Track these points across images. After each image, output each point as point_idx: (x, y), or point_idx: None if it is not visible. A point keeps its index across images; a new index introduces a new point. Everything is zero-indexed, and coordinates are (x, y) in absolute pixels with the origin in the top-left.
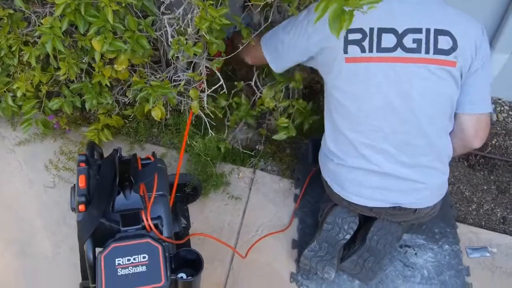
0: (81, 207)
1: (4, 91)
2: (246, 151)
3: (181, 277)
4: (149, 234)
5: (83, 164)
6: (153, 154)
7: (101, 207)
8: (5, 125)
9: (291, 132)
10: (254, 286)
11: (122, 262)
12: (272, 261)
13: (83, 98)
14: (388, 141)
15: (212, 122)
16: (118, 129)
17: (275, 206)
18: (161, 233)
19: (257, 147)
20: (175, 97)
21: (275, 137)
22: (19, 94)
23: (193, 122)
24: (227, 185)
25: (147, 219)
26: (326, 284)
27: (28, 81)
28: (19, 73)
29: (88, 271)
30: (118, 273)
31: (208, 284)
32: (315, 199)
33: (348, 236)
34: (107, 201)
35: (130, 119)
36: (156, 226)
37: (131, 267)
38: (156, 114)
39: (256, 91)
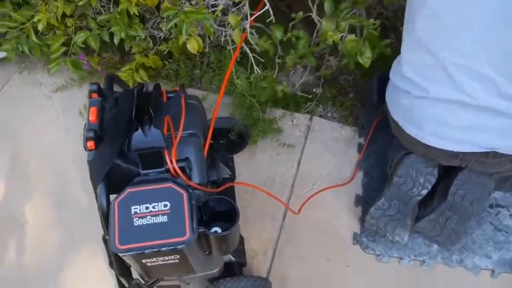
0: (90, 144)
1: (28, 26)
2: (303, 94)
3: (215, 231)
4: (173, 178)
5: (95, 95)
6: (182, 86)
7: (115, 145)
8: (42, 71)
9: (366, 56)
10: (309, 245)
11: (140, 210)
12: (331, 219)
13: (110, 30)
14: (493, 64)
15: (259, 58)
16: (156, 71)
17: (335, 157)
18: (189, 178)
19: (314, 90)
20: (213, 25)
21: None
22: (40, 27)
23: (239, 58)
24: (279, 132)
25: (171, 161)
26: (397, 248)
27: (52, 14)
28: (42, 6)
29: (102, 220)
30: (135, 223)
31: (259, 241)
32: (382, 149)
33: (424, 191)
34: (122, 138)
35: (170, 60)
36: (182, 169)
37: (150, 217)
38: (192, 46)
39: (318, 23)
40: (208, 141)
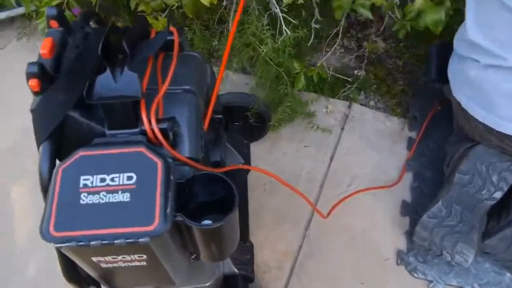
0: (33, 84)
1: None
2: (341, 76)
3: (201, 223)
4: (150, 144)
5: (54, 24)
6: (179, 27)
7: (71, 91)
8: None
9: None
10: (339, 261)
11: (92, 182)
12: (369, 230)
13: None
14: None
15: (291, 19)
16: None
17: (378, 153)
18: (174, 147)
19: (355, 73)
20: None
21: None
22: None
23: (265, 21)
24: (310, 117)
25: (149, 118)
26: (456, 274)
27: None
28: None
29: (42, 192)
30: (81, 201)
31: (274, 252)
32: (439, 146)
33: (498, 194)
34: (83, 83)
35: (185, 26)
36: (164, 132)
37: (105, 193)
38: None
39: None
40: (211, 108)
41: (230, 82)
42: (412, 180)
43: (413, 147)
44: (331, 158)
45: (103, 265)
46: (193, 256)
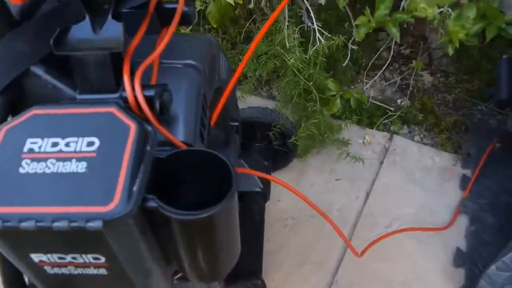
0: None
1: None
2: (379, 103)
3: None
4: (128, 111)
5: None
6: None
7: (39, 41)
8: None
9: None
10: None
11: (40, 147)
12: (411, 281)
13: None
14: None
15: (323, 31)
16: None
17: (425, 192)
18: (164, 123)
19: (398, 101)
20: None
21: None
22: None
23: (296, 33)
24: (342, 149)
25: (130, 80)
26: None
27: None
28: None
29: None
30: (21, 169)
31: None
32: (500, 185)
33: None
34: (54, 32)
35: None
36: (150, 100)
37: (54, 161)
38: None
39: None
40: (223, 102)
41: (253, 101)
42: (468, 224)
43: (468, 187)
44: (367, 195)
45: (49, 271)
46: (177, 275)
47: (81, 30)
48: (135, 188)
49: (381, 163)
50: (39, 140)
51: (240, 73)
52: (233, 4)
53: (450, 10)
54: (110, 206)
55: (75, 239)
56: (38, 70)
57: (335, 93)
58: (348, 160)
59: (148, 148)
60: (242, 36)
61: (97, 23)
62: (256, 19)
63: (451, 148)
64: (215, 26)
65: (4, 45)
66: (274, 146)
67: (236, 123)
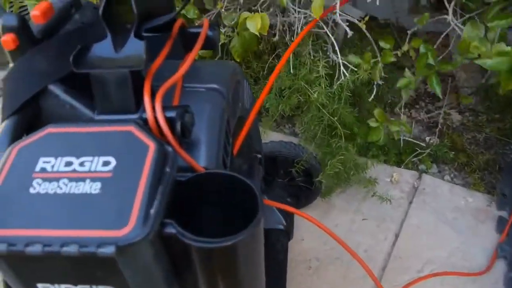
0: (7, 39)
1: None
2: (409, 139)
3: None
4: (150, 132)
5: None
6: (215, 20)
7: (59, 60)
8: None
9: None
10: None
11: (53, 166)
12: None
13: None
14: None
15: (348, 65)
16: None
17: (458, 234)
18: (185, 147)
19: (427, 139)
20: None
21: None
22: None
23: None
24: (370, 184)
25: (151, 100)
26: None
27: None
28: None
29: None
30: (32, 189)
31: None
32: None
33: None
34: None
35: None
36: (171, 122)
37: (67, 181)
38: (255, 24)
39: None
40: (246, 130)
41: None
42: (506, 270)
43: (506, 229)
44: (396, 236)
45: None
46: None
47: (102, 48)
48: (152, 212)
49: (410, 203)
50: (52, 159)
51: (262, 107)
52: (258, 36)
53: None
54: (124, 231)
55: (86, 266)
56: (56, 89)
57: (378, 123)
58: (374, 199)
59: (168, 169)
60: (265, 71)
61: (119, 41)
62: (280, 54)
63: (484, 188)
64: (238, 61)
65: (23, 63)
66: (297, 183)
67: (259, 155)
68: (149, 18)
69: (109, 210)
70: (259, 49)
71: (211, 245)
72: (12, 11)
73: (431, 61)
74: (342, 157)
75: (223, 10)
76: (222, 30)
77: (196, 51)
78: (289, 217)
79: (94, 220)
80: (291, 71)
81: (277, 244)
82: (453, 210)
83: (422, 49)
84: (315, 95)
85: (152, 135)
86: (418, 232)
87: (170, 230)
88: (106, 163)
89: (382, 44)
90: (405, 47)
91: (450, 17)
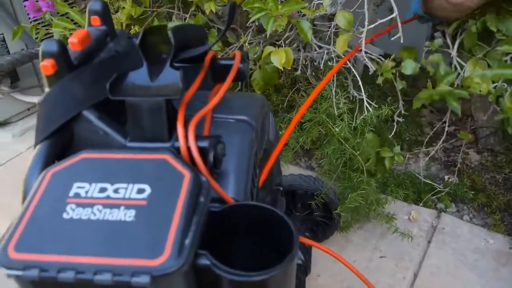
0: (47, 64)
1: None
2: (427, 181)
3: (237, 273)
4: (185, 161)
5: (96, 21)
6: (245, 53)
7: (94, 87)
8: None
9: None
10: None
11: (87, 192)
12: None
13: None
14: None
15: (370, 101)
16: None
17: (479, 276)
18: (214, 175)
19: (446, 178)
20: (311, 27)
21: None
22: None
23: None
24: (387, 224)
25: (184, 130)
26: None
27: None
28: None
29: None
30: (65, 215)
31: None
32: None
33: None
34: (109, 78)
35: None
36: (203, 151)
37: (101, 208)
38: (279, 58)
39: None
40: (270, 165)
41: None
42: None
43: None
44: (415, 276)
45: None
46: None
47: (139, 77)
48: (187, 242)
49: (429, 242)
50: (86, 185)
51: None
52: (281, 70)
53: (505, 86)
54: (159, 260)
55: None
56: (90, 115)
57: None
58: (393, 237)
59: (202, 199)
60: (285, 105)
61: (155, 70)
62: (300, 88)
63: (504, 230)
64: (258, 93)
65: (60, 87)
66: (315, 217)
67: (280, 187)
68: (184, 48)
69: (144, 238)
70: (279, 83)
71: (244, 279)
72: (37, 38)
73: (451, 78)
74: (364, 191)
75: (246, 44)
76: None
77: (229, 82)
78: (307, 251)
79: (128, 248)
80: (312, 105)
81: (295, 280)
82: (473, 251)
83: (442, 65)
84: (338, 129)
85: (187, 164)
86: (438, 272)
87: (204, 261)
88: (140, 191)
89: (398, 84)
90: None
91: (454, 52)
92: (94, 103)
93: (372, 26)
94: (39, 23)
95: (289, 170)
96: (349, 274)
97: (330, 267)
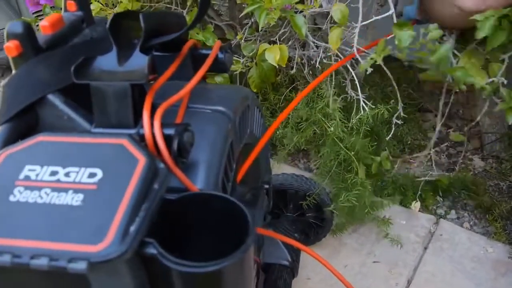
0: (11, 45)
1: None
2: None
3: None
4: (144, 147)
5: (71, 6)
6: (228, 44)
7: (62, 71)
8: None
9: None
10: None
11: (37, 175)
12: None
13: None
14: None
15: (367, 102)
16: None
17: (476, 285)
18: (178, 163)
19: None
20: (306, 23)
21: None
22: None
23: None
24: (382, 228)
25: (150, 116)
26: None
27: None
28: None
29: None
30: (12, 197)
31: None
32: None
33: None
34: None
35: None
36: (168, 140)
37: (50, 191)
38: (274, 55)
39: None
40: (251, 160)
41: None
42: None
43: None
44: (409, 282)
45: None
46: None
47: (106, 61)
48: (132, 229)
49: (425, 248)
50: (38, 168)
51: (277, 141)
52: (276, 68)
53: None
54: (100, 247)
55: (59, 282)
56: (55, 99)
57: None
58: (388, 241)
59: (156, 186)
60: (282, 104)
61: (124, 55)
62: (297, 87)
63: (506, 239)
64: (255, 91)
65: (24, 70)
66: (307, 219)
67: (267, 186)
68: (158, 35)
69: (88, 223)
70: (276, 81)
71: (193, 270)
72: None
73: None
74: (358, 192)
75: (242, 40)
76: (241, 60)
77: (203, 71)
78: (295, 253)
79: (70, 233)
80: (308, 103)
81: (279, 281)
82: (471, 260)
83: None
84: (332, 128)
85: (144, 150)
86: (433, 280)
87: (151, 250)
88: (92, 175)
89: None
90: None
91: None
92: (62, 88)
93: (366, 22)
94: (39, 17)
95: (286, 171)
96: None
97: (320, 270)
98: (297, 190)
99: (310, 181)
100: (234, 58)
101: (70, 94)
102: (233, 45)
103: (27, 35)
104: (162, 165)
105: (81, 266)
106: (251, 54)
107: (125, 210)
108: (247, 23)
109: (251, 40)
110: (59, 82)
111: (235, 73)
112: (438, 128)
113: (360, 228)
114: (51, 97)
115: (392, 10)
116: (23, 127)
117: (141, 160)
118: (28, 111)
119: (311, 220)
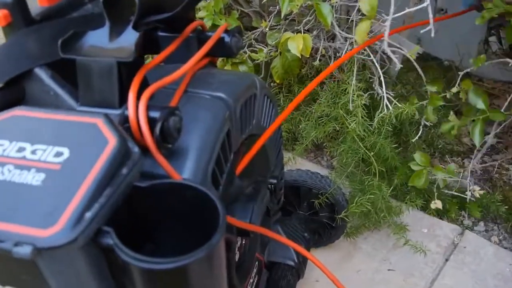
0: None
1: None
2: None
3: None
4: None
5: None
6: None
7: (51, 44)
8: None
9: None
10: None
11: (4, 151)
12: None
13: None
14: None
15: (393, 99)
16: None
17: None
18: (166, 153)
19: (469, 190)
20: (332, 11)
21: None
22: None
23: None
24: (400, 234)
25: (136, 96)
26: None
27: None
28: None
29: None
30: None
31: None
32: None
33: None
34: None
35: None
36: (152, 122)
37: (12, 168)
38: (297, 45)
39: None
40: (254, 152)
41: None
42: None
43: None
44: None
45: None
46: None
47: (96, 36)
48: (88, 215)
49: (447, 260)
50: (6, 143)
51: (299, 136)
52: (301, 59)
53: None
54: (49, 231)
55: (9, 266)
56: (42, 73)
57: (419, 168)
58: (406, 249)
59: (125, 171)
60: (307, 97)
61: (116, 31)
62: (324, 81)
63: None
64: (278, 82)
65: (13, 41)
66: (321, 219)
67: (274, 180)
68: (156, 13)
69: (41, 206)
70: (301, 74)
71: (150, 266)
72: None
73: (480, 105)
74: (373, 196)
75: (267, 29)
76: (265, 50)
77: (202, 52)
78: (302, 264)
79: (22, 215)
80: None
81: (282, 281)
82: (495, 277)
83: (471, 93)
84: (352, 125)
85: (117, 131)
86: None
87: (107, 240)
88: (58, 154)
89: (429, 87)
90: (454, 89)
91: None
92: (52, 63)
93: (399, 14)
94: None
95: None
96: (350, 282)
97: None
98: (311, 188)
99: (325, 179)
100: (259, 47)
101: (61, 70)
102: (259, 34)
103: (17, 4)
104: (136, 149)
105: (25, 251)
106: (274, 43)
107: (84, 194)
108: (273, 11)
109: (276, 28)
110: (49, 56)
111: (257, 62)
112: (489, 140)
113: (378, 234)
114: (37, 70)
115: (427, 2)
116: (7, 100)
117: (111, 141)
118: (14, 84)
119: (324, 220)
